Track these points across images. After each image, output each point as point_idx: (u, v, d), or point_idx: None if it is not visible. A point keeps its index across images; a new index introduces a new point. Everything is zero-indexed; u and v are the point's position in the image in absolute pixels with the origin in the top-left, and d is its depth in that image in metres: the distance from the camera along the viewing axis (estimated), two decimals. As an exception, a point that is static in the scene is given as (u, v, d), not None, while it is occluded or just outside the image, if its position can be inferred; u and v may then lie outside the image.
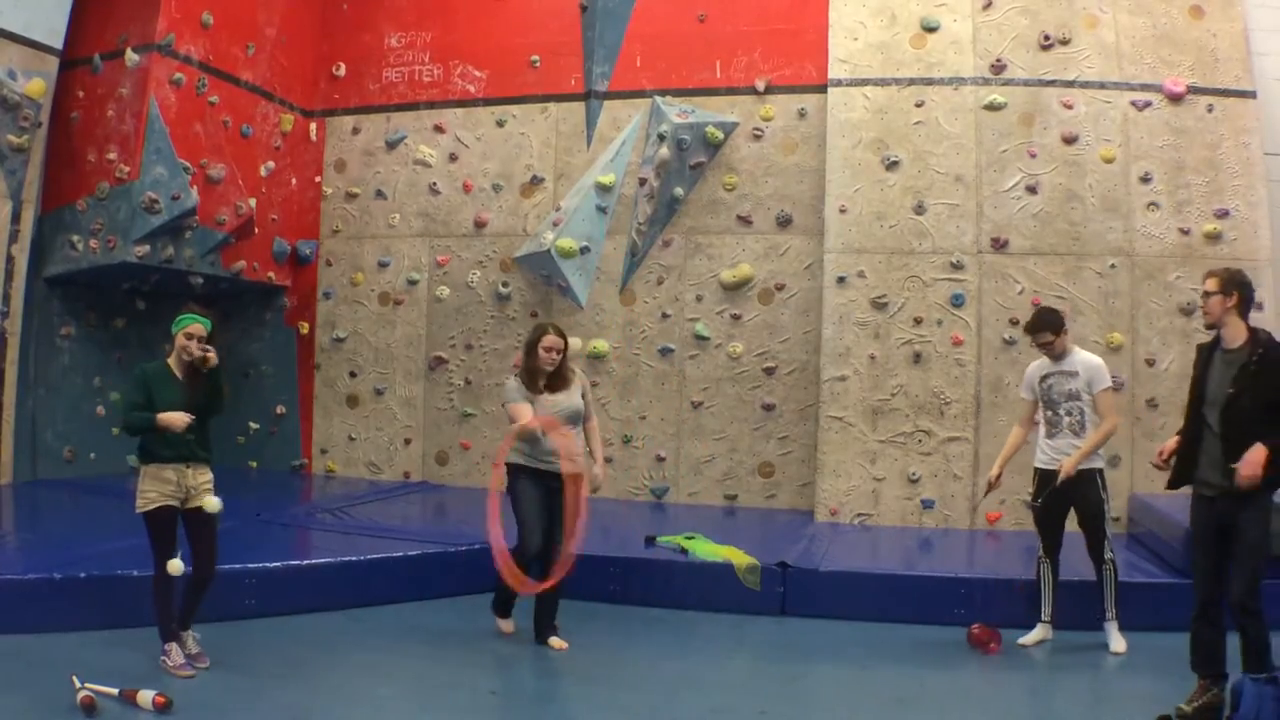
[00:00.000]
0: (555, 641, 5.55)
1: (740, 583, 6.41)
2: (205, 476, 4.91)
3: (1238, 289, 4.54)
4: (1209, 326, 4.63)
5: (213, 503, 4.86)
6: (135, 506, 4.79)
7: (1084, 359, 5.85)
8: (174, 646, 4.75)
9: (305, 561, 6.39)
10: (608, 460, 9.42)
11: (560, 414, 5.56)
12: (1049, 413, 5.83)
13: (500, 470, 5.56)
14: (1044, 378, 5.88)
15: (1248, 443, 4.31)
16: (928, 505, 8.37)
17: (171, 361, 4.89)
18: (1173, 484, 4.76)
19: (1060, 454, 5.72)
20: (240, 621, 5.66)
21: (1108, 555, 5.74)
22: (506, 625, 5.77)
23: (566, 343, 5.69)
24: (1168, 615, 6.02)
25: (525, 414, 5.44)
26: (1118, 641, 5.68)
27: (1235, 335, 4.52)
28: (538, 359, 5.58)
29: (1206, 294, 4.57)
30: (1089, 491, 5.70)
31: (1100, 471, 5.78)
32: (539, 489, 5.52)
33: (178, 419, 4.65)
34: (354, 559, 6.47)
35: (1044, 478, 5.79)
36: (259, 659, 5.13)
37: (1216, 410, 4.49)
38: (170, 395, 4.79)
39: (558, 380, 5.64)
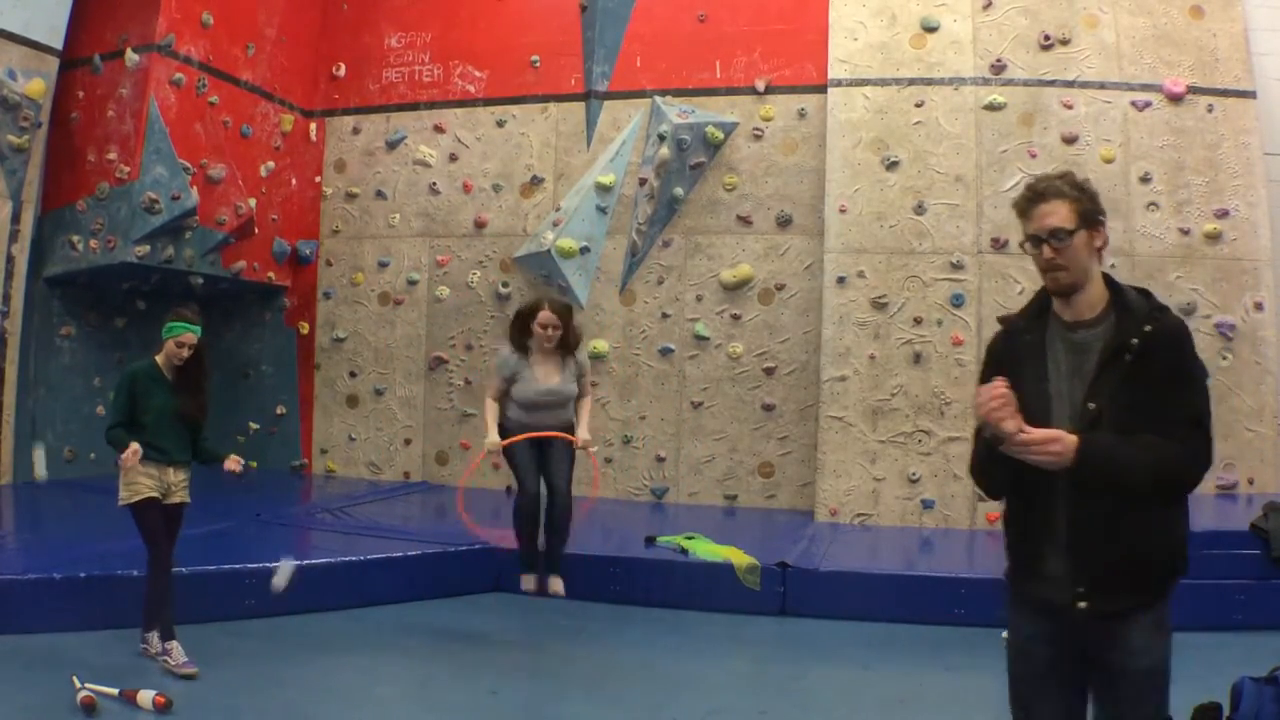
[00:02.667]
0: (554, 582, 5.73)
1: (740, 583, 6.41)
2: (183, 475, 4.99)
3: (1100, 216, 2.52)
4: (1064, 291, 2.50)
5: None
6: (119, 499, 4.82)
7: None
8: (175, 645, 4.75)
9: (305, 561, 6.38)
10: (608, 460, 9.44)
11: (544, 395, 5.61)
12: None
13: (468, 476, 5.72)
14: None
15: (1123, 508, 2.38)
16: (928, 505, 8.37)
17: (160, 361, 4.93)
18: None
19: None
20: (240, 621, 5.66)
21: None
22: (529, 581, 5.75)
23: (566, 319, 5.63)
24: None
25: (493, 428, 5.68)
26: None
27: (1092, 298, 2.51)
28: (532, 335, 5.59)
29: (1053, 233, 2.46)
30: None
31: None
32: (530, 444, 5.66)
33: (128, 456, 4.68)
34: (354, 559, 6.47)
35: None
36: (259, 659, 5.13)
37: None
38: (160, 397, 4.87)
39: (555, 359, 5.65)
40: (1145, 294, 2.54)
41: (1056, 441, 2.34)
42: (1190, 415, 2.41)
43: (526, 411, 5.63)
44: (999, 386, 2.37)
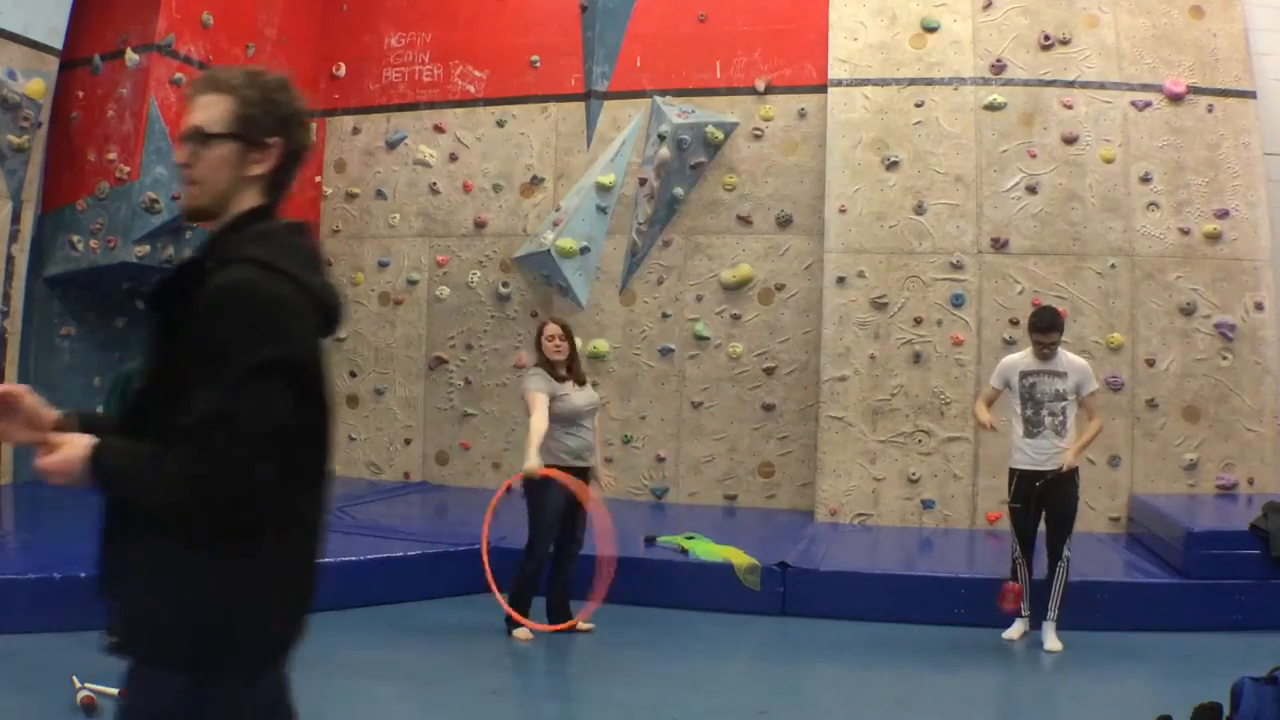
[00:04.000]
0: (582, 613, 5.72)
1: (740, 583, 6.41)
2: None
3: (268, 137, 1.89)
4: (191, 215, 1.96)
5: None
6: None
7: (1072, 361, 5.85)
8: None
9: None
10: (608, 460, 9.43)
11: (584, 406, 5.75)
12: (1028, 411, 5.77)
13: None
14: (1025, 374, 5.82)
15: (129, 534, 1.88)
16: (928, 505, 8.36)
17: None
18: None
19: (1042, 453, 5.71)
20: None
21: (1066, 553, 5.71)
22: (524, 632, 5.64)
23: (569, 335, 5.84)
24: (1167, 615, 6.03)
25: (540, 423, 5.48)
26: (1053, 640, 5.62)
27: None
28: (542, 349, 5.76)
29: (192, 132, 1.86)
30: (1071, 488, 5.73)
31: (1077, 470, 5.83)
32: (560, 494, 5.58)
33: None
34: (354, 559, 6.46)
35: (1024, 478, 5.76)
36: (259, 659, 5.13)
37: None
38: None
39: (577, 374, 5.83)
40: (254, 240, 1.87)
41: (52, 472, 1.74)
42: (202, 413, 1.65)
43: (565, 427, 5.66)
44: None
